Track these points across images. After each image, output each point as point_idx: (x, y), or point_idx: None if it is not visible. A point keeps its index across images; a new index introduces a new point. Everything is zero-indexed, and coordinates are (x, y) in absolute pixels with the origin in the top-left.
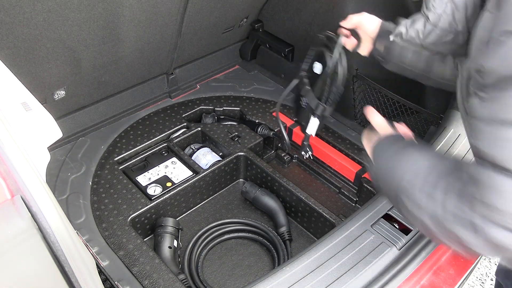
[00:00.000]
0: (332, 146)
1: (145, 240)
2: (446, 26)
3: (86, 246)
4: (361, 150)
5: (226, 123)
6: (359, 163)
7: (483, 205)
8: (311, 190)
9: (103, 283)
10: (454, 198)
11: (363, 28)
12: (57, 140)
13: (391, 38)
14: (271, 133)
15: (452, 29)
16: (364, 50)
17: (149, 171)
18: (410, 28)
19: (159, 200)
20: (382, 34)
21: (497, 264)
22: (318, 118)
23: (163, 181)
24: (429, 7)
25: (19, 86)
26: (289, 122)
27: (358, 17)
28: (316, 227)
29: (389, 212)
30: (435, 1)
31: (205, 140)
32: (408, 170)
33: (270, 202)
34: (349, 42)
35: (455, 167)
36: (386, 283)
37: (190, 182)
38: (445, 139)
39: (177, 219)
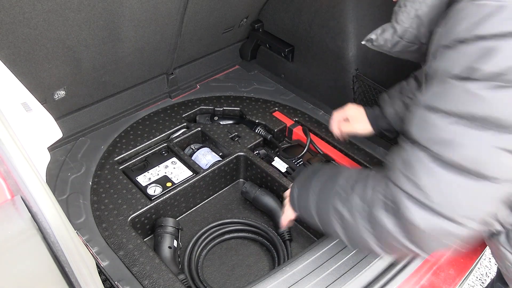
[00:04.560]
0: (332, 146)
1: (145, 240)
2: (412, 39)
3: (86, 246)
4: (361, 150)
5: (222, 122)
6: (359, 163)
7: (402, 180)
8: None
9: (103, 283)
10: (358, 196)
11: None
12: (57, 140)
13: (363, 42)
14: (269, 136)
15: (417, 41)
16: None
17: (149, 171)
18: (380, 37)
19: (159, 200)
20: (373, 121)
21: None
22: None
23: (163, 181)
24: (397, 21)
25: (19, 86)
26: (289, 122)
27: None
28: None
29: None
30: (403, 16)
31: (205, 140)
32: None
33: (270, 202)
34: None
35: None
36: (386, 283)
37: (190, 182)
38: None
39: (177, 219)
